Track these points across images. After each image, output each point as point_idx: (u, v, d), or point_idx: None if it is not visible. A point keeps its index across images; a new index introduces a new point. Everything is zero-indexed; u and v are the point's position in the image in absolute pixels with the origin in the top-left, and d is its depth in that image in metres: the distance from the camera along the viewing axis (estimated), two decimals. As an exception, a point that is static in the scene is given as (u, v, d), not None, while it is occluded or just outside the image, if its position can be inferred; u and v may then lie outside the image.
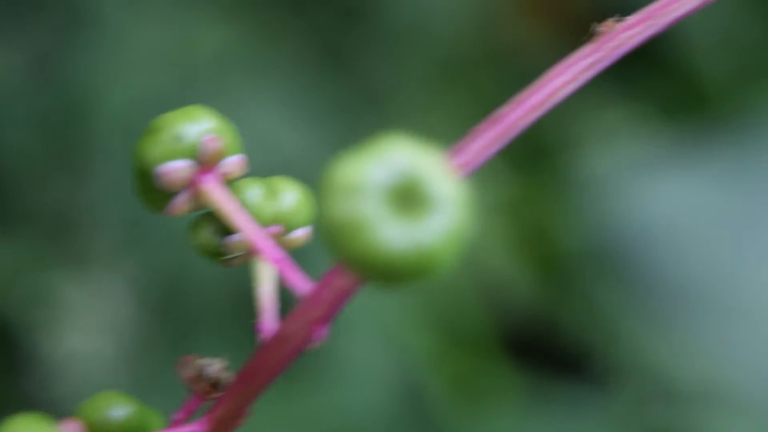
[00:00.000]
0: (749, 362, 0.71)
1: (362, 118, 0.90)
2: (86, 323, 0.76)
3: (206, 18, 0.89)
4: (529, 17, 0.93)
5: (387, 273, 0.22)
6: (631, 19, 0.25)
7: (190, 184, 0.26)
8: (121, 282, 0.77)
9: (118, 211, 0.82)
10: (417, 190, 0.22)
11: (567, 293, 0.86)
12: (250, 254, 0.26)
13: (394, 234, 0.21)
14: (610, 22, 0.28)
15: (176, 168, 0.26)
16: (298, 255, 0.27)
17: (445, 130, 0.89)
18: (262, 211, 0.26)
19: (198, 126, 0.26)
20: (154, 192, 0.26)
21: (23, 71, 0.83)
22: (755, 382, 0.77)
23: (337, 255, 0.22)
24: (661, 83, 0.88)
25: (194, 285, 0.78)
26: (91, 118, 0.85)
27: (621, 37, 0.24)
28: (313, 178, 0.83)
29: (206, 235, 0.26)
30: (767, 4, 0.92)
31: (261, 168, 0.90)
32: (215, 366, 0.26)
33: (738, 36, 0.90)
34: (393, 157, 0.22)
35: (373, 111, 0.91)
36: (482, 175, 0.82)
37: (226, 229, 0.26)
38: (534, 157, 0.82)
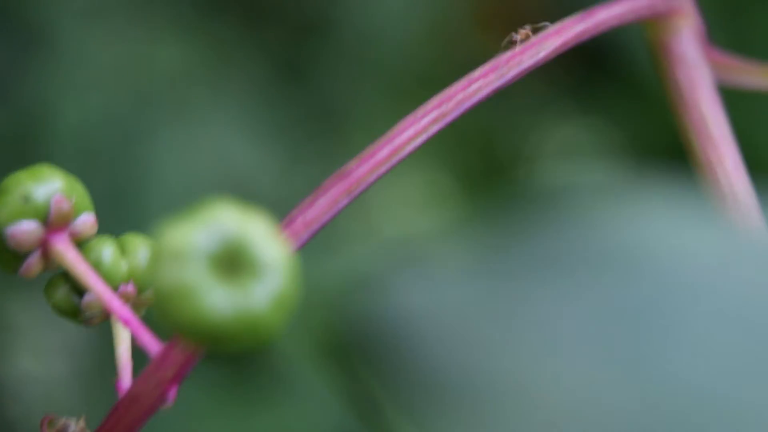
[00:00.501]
0: None
1: (318, 133, 0.89)
2: (38, 345, 0.76)
3: (162, 36, 0.89)
4: (486, 31, 0.93)
5: (214, 339, 0.21)
6: (478, 71, 0.24)
7: (41, 245, 0.25)
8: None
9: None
10: (243, 256, 0.21)
11: None
12: (106, 313, 0.26)
13: (219, 300, 0.21)
14: (523, 31, 0.27)
15: (25, 229, 0.25)
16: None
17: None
18: (114, 271, 0.26)
19: (47, 186, 0.25)
20: (6, 253, 0.25)
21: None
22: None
23: (164, 321, 0.21)
24: (615, 97, 0.87)
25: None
26: (44, 138, 0.85)
27: (467, 90, 0.24)
28: (270, 195, 0.83)
29: (61, 295, 0.26)
30: (716, 17, 0.92)
31: (218, 184, 0.89)
32: (74, 426, 0.25)
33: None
34: (219, 222, 0.21)
35: (329, 125, 0.90)
36: (433, 196, 0.82)
37: (81, 289, 0.26)
38: (487, 177, 0.82)
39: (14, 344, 0.76)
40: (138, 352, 0.26)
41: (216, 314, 0.21)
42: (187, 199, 0.87)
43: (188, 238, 0.21)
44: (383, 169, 0.24)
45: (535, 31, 0.27)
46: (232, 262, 0.21)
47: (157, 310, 0.21)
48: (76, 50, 0.87)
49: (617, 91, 0.88)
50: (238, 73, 0.89)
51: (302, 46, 0.91)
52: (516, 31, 0.28)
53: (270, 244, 0.21)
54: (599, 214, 0.16)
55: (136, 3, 0.90)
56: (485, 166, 0.82)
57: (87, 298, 0.26)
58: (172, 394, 0.24)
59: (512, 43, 0.27)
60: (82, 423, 0.25)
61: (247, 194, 0.88)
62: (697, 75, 0.26)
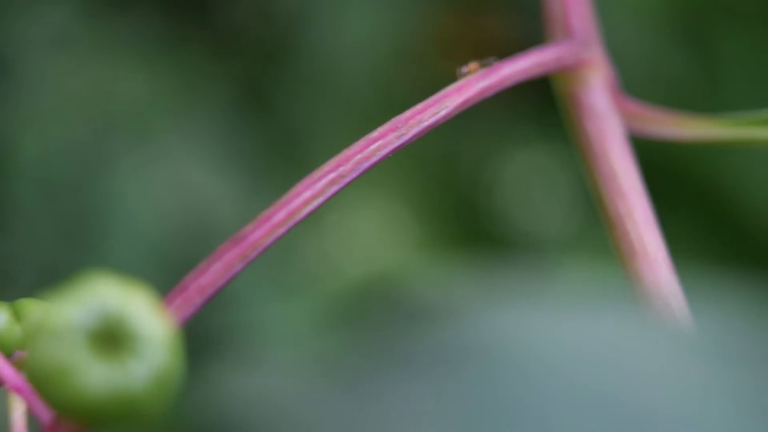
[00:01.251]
0: None
1: (283, 160, 0.89)
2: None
3: (125, 65, 0.88)
4: (449, 55, 0.92)
5: (91, 418, 0.21)
6: (376, 132, 0.24)
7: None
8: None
9: (32, 261, 0.81)
10: (123, 332, 0.21)
11: None
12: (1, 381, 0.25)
13: (96, 378, 0.20)
14: (472, 64, 0.27)
15: None
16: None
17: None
18: (7, 337, 0.25)
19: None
20: None
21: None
22: None
23: (42, 399, 0.21)
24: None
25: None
26: (6, 169, 0.84)
27: (365, 151, 0.24)
28: (233, 224, 0.82)
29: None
30: (689, 34, 0.91)
31: (180, 215, 0.89)
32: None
33: (663, 68, 0.90)
34: (98, 298, 0.21)
35: (294, 152, 0.90)
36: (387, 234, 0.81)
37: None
38: (446, 205, 0.81)
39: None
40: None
41: (93, 393, 0.20)
42: (149, 229, 0.86)
43: (66, 314, 0.20)
44: (280, 231, 0.23)
45: (483, 65, 0.28)
46: (112, 338, 0.21)
47: (35, 387, 0.21)
48: (38, 79, 0.87)
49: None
50: (200, 101, 0.88)
51: (265, 74, 0.90)
52: (465, 65, 0.28)
53: (151, 320, 0.21)
54: (458, 311, 0.15)
55: (99, 32, 0.89)
56: (444, 192, 0.81)
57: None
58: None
59: (462, 76, 0.27)
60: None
61: (209, 224, 0.87)
62: (607, 126, 0.25)
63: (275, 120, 0.90)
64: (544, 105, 0.87)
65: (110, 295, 0.21)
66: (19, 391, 0.24)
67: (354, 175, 0.23)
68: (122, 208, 0.85)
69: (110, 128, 0.87)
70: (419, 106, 0.24)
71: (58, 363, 0.20)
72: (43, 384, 0.20)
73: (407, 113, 0.23)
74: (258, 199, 0.86)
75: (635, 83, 0.88)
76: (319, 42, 0.90)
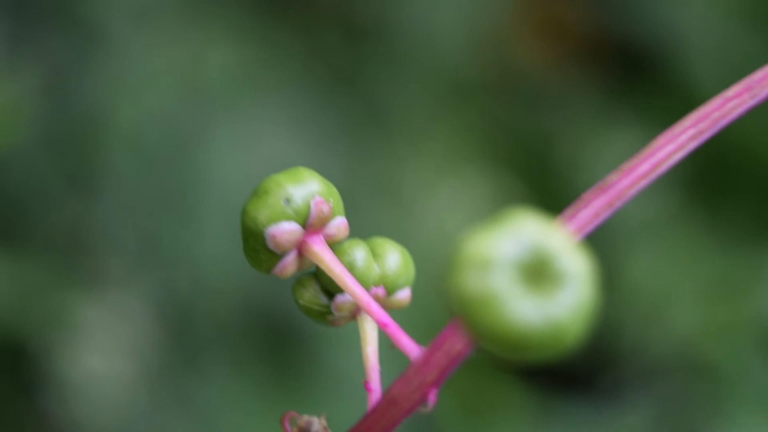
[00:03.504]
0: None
1: (370, 138, 0.90)
2: (103, 343, 0.76)
3: (214, 39, 0.89)
4: (536, 39, 0.93)
5: (518, 347, 0.22)
6: (732, 90, 0.25)
7: (298, 246, 0.26)
8: (138, 302, 0.77)
9: (130, 229, 0.82)
10: (547, 265, 0.22)
11: None
12: (353, 315, 0.27)
13: (525, 309, 0.22)
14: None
15: (286, 230, 0.26)
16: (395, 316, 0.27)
17: (452, 149, 0.89)
18: (367, 273, 0.26)
19: (306, 188, 0.26)
20: (263, 253, 0.26)
21: (37, 93, 0.83)
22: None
23: (466, 328, 0.22)
24: (669, 105, 0.88)
25: (207, 304, 0.78)
26: (101, 138, 0.85)
27: (723, 109, 0.25)
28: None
29: (311, 296, 0.26)
30: (761, 19, 0.93)
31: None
32: (317, 425, 0.26)
33: (737, 55, 0.91)
34: (522, 232, 0.22)
35: (380, 131, 0.91)
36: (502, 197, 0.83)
37: (329, 290, 0.27)
38: (547, 184, 0.83)
39: (79, 343, 0.76)
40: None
41: (524, 323, 0.21)
42: (241, 199, 0.87)
43: (495, 246, 0.22)
44: (644, 182, 0.25)
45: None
46: (536, 271, 0.22)
47: (461, 317, 0.22)
48: (130, 52, 0.88)
49: (673, 102, 0.89)
50: (290, 76, 0.89)
51: (354, 52, 0.91)
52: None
53: (572, 254, 0.22)
54: None
55: (190, 4, 0.90)
56: (544, 171, 0.83)
57: (338, 299, 0.26)
58: (433, 397, 0.25)
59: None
60: (323, 421, 0.26)
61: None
62: None
63: (361, 98, 0.91)
64: (639, 90, 0.88)
65: (534, 231, 0.22)
66: (384, 325, 0.26)
67: (712, 131, 0.25)
68: (214, 177, 0.86)
69: (202, 100, 0.88)
70: (769, 68, 0.25)
71: (490, 293, 0.21)
72: (472, 314, 0.22)
73: (760, 74, 0.25)
74: (348, 173, 0.87)
75: (713, 72, 0.90)
76: (408, 22, 0.92)
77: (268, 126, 0.88)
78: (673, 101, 0.89)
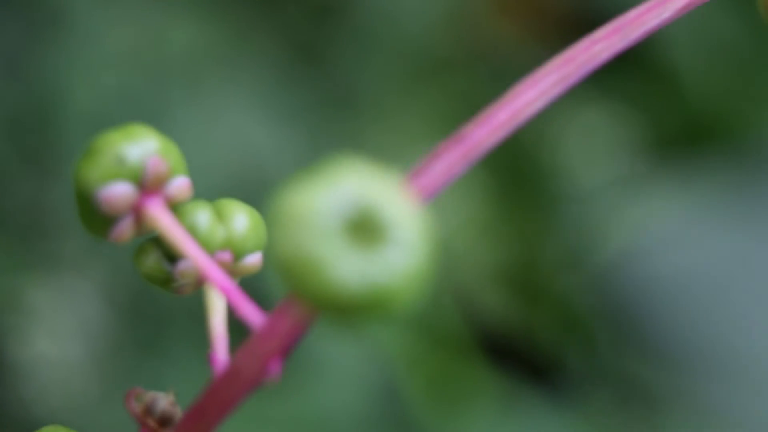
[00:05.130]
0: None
1: (336, 116, 0.88)
2: (55, 326, 0.74)
3: (176, 16, 0.88)
4: (504, 16, 0.91)
5: (342, 310, 0.20)
6: (600, 32, 0.23)
7: (134, 209, 0.24)
8: (90, 285, 0.75)
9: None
10: (373, 221, 0.20)
11: (543, 307, 0.85)
12: (199, 282, 0.25)
13: (349, 269, 0.20)
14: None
15: (119, 192, 0.24)
16: (249, 283, 0.25)
17: (420, 128, 0.87)
18: (210, 237, 0.24)
19: (141, 146, 0.24)
20: (96, 217, 0.24)
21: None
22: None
23: (289, 290, 0.20)
24: (637, 80, 0.86)
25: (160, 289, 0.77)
26: (60, 118, 0.83)
27: (589, 51, 0.23)
28: (286, 176, 0.82)
29: (153, 262, 0.24)
30: (739, 3, 0.91)
31: (235, 166, 0.88)
32: (163, 401, 0.24)
33: (713, 33, 0.89)
34: (347, 185, 0.20)
35: (346, 109, 0.89)
36: (457, 187, 0.81)
37: (174, 255, 0.25)
38: (512, 162, 0.81)
39: (30, 326, 0.74)
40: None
41: (348, 284, 0.19)
42: (204, 179, 0.85)
43: (316, 202, 0.20)
44: (501, 133, 0.23)
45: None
46: (361, 227, 0.20)
47: (281, 278, 0.20)
48: (90, 30, 0.86)
49: (640, 77, 0.87)
50: (254, 53, 0.88)
51: (320, 28, 0.89)
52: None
53: (402, 207, 0.20)
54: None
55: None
56: (509, 148, 0.81)
57: (181, 266, 0.24)
58: (277, 367, 0.23)
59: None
60: (171, 397, 0.24)
61: (264, 176, 0.87)
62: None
63: (327, 74, 0.89)
64: (607, 65, 0.86)
65: (361, 183, 0.20)
66: (225, 291, 0.24)
67: (577, 75, 0.23)
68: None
69: (163, 78, 0.86)
70: (643, 8, 0.23)
71: (312, 253, 0.19)
72: (293, 276, 0.20)
73: (631, 15, 0.23)
74: (311, 152, 0.85)
75: (686, 47, 0.88)
76: (374, -2, 0.90)
77: (232, 103, 0.86)
78: (643, 79, 0.87)
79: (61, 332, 0.74)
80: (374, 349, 0.84)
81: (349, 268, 0.19)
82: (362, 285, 0.19)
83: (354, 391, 0.83)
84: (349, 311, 0.20)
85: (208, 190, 0.83)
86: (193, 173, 0.79)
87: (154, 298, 0.76)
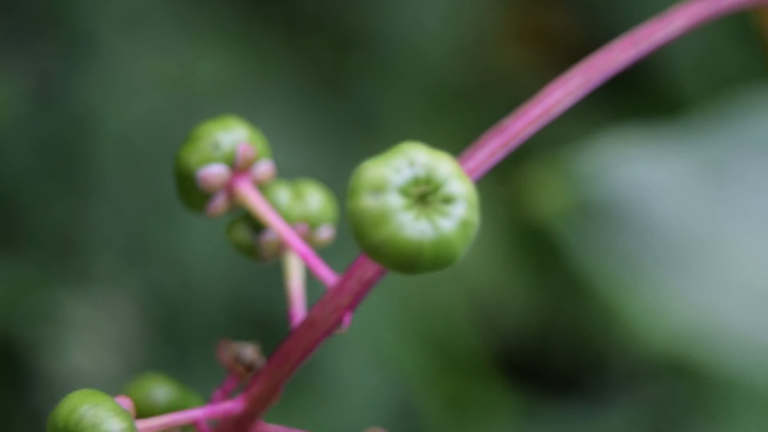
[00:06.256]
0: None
1: (357, 143, 0.93)
2: (90, 340, 0.79)
3: (204, 45, 0.93)
4: (521, 45, 0.97)
5: (408, 261, 0.25)
6: (615, 43, 0.29)
7: (227, 187, 0.30)
8: (125, 299, 0.80)
9: (119, 230, 0.86)
10: (436, 187, 0.25)
11: (562, 294, 0.89)
12: (280, 250, 0.30)
13: (415, 225, 0.25)
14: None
15: (214, 172, 0.29)
16: (321, 252, 0.31)
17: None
18: (290, 211, 0.30)
19: (233, 134, 0.30)
20: (195, 194, 0.30)
21: (26, 96, 0.87)
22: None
23: (362, 245, 0.26)
24: (646, 109, 0.92)
25: (195, 304, 0.82)
26: (90, 141, 0.88)
27: (607, 58, 0.28)
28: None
29: (242, 234, 0.30)
30: (744, 30, 0.96)
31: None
32: (249, 350, 0.29)
33: (721, 65, 0.94)
34: (413, 159, 0.26)
35: (367, 136, 0.94)
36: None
37: (258, 228, 0.30)
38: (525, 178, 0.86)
39: (68, 340, 0.79)
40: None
41: (413, 237, 0.25)
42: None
43: (388, 171, 0.25)
44: (535, 126, 0.28)
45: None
46: (424, 192, 0.25)
47: (358, 236, 0.25)
48: (120, 58, 0.91)
49: (654, 108, 0.92)
50: (280, 82, 0.93)
51: (342, 58, 0.95)
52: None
53: (457, 177, 0.25)
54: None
55: (179, 11, 0.94)
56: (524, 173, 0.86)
57: (265, 237, 0.30)
58: (347, 319, 0.28)
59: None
60: (256, 347, 0.30)
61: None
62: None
63: (347, 103, 0.95)
64: (620, 94, 0.92)
65: (423, 156, 0.26)
66: (304, 256, 0.29)
67: (598, 79, 0.28)
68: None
69: (192, 105, 0.91)
70: (651, 24, 0.28)
71: (383, 212, 0.25)
72: (368, 231, 0.25)
73: (644, 30, 0.28)
74: (333, 175, 0.90)
75: (692, 74, 0.93)
76: (393, 27, 0.95)
77: (258, 129, 0.91)
78: (654, 107, 0.92)
79: (96, 345, 0.79)
80: (390, 366, 0.88)
81: (416, 224, 0.25)
82: (427, 237, 0.25)
83: (370, 410, 0.87)
84: (415, 260, 0.25)
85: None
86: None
87: (188, 312, 0.81)
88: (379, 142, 0.94)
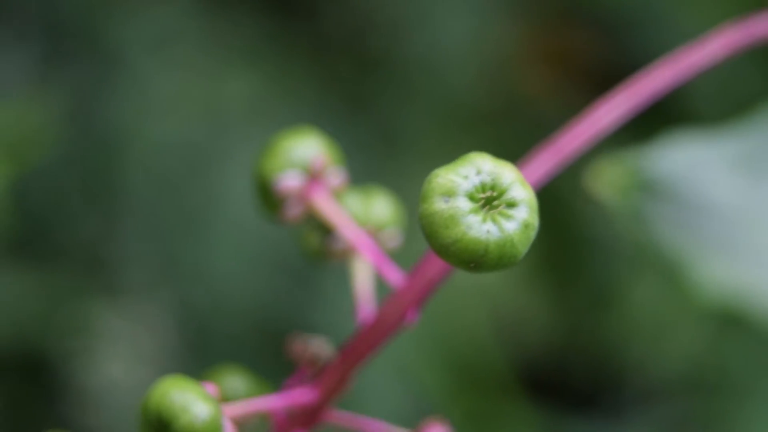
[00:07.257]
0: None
1: (382, 161, 0.96)
2: (123, 352, 0.82)
3: (232, 64, 0.96)
4: (542, 67, 1.00)
5: (474, 258, 0.29)
6: (654, 67, 0.32)
7: (302, 193, 0.33)
8: (157, 312, 0.83)
9: (149, 246, 0.89)
10: (499, 192, 0.29)
11: (581, 313, 0.92)
12: (348, 253, 0.34)
13: (482, 227, 0.29)
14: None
15: (291, 180, 0.33)
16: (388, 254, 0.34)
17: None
18: (360, 215, 0.33)
19: (308, 145, 0.33)
20: (273, 200, 0.33)
21: (61, 119, 0.89)
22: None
23: (433, 245, 0.29)
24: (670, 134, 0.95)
25: (224, 318, 0.85)
26: (122, 160, 0.91)
27: (649, 80, 0.32)
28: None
29: (315, 236, 0.34)
30: (763, 56, 0.99)
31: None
32: (319, 342, 0.33)
33: (738, 89, 0.98)
34: (479, 165, 0.29)
35: (390, 155, 0.97)
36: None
37: (329, 231, 0.34)
38: (551, 209, 0.89)
39: (101, 352, 0.82)
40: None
41: (480, 238, 0.28)
42: (255, 223, 0.93)
43: (455, 178, 0.29)
44: (583, 142, 0.32)
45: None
46: (490, 197, 0.29)
47: (429, 237, 0.29)
48: (152, 78, 0.94)
49: (674, 131, 0.95)
50: (307, 100, 0.96)
51: (367, 78, 0.98)
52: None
53: (519, 184, 0.29)
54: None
55: (207, 35, 0.97)
56: (547, 195, 0.89)
57: (336, 238, 0.33)
58: (414, 316, 0.32)
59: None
60: (325, 340, 0.33)
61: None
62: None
63: (372, 122, 0.97)
64: (640, 116, 0.95)
65: (488, 165, 0.29)
66: (373, 256, 0.33)
67: (639, 97, 0.32)
68: (230, 200, 0.92)
69: (219, 124, 0.94)
70: (691, 51, 0.32)
71: (453, 214, 0.28)
72: (439, 232, 0.29)
73: (682, 56, 0.32)
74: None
75: (710, 98, 0.96)
76: (417, 51, 0.98)
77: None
78: (673, 130, 0.95)
79: (129, 357, 0.82)
80: (412, 382, 0.91)
81: (483, 225, 0.28)
82: (493, 237, 0.28)
83: (392, 424, 0.89)
84: (479, 258, 0.29)
85: (259, 235, 0.91)
86: (243, 215, 0.87)
87: (218, 326, 0.84)
88: (404, 160, 0.97)
